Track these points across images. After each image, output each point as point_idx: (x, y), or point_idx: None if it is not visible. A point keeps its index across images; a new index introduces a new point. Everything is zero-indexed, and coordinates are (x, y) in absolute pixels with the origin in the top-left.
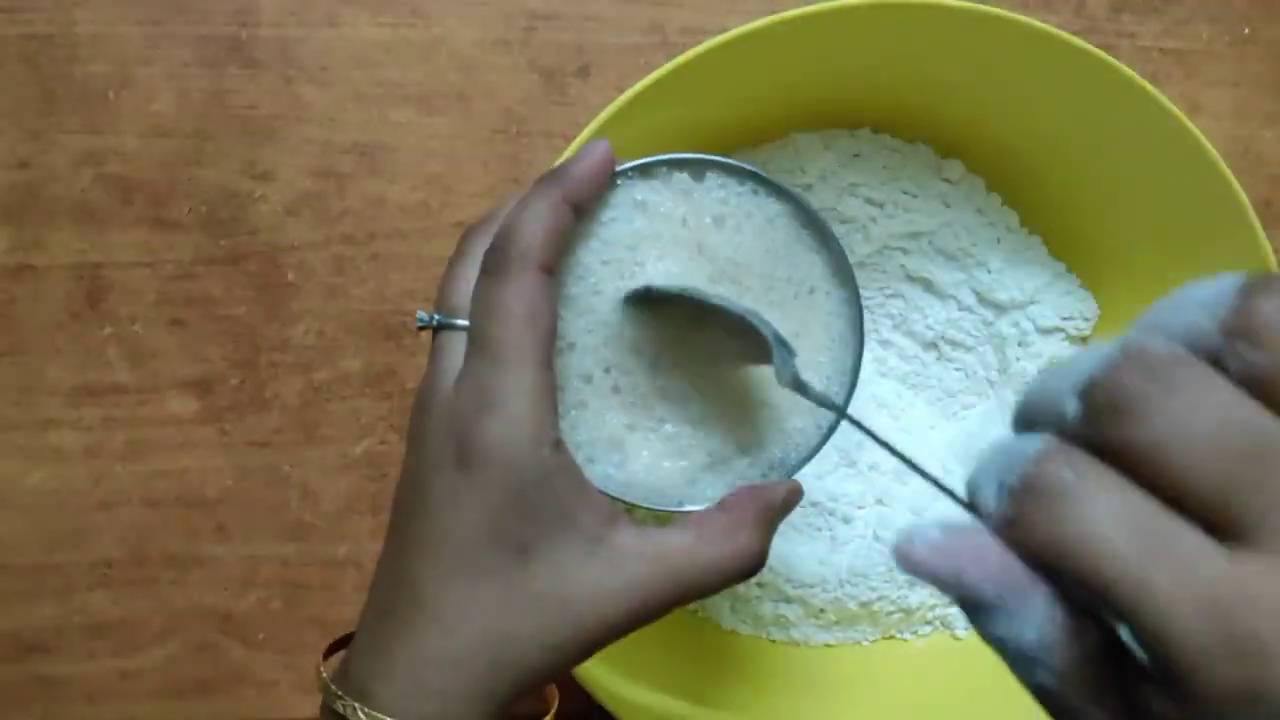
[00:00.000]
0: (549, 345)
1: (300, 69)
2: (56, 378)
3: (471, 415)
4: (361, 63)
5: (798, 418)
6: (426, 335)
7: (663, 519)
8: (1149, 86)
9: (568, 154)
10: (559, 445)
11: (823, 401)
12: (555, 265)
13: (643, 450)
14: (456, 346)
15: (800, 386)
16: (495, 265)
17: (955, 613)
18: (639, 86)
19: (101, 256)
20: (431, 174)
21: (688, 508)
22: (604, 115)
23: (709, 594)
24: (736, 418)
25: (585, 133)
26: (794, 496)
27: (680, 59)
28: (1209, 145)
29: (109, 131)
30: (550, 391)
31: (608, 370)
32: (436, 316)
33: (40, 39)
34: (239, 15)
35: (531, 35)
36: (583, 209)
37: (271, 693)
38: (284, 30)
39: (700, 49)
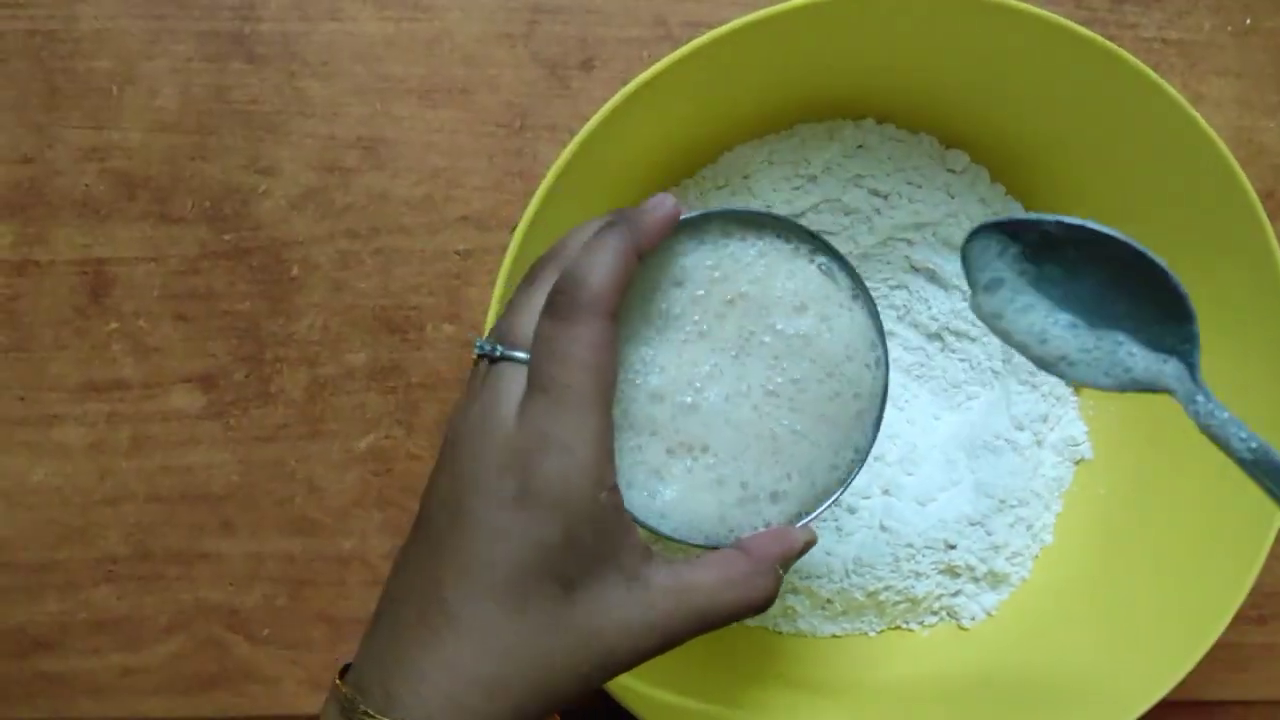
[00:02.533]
0: (611, 391)
1: (303, 63)
2: (61, 373)
3: (536, 454)
4: (364, 57)
5: (827, 457)
6: (432, 331)
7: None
8: (1154, 75)
9: (570, 149)
10: (614, 489)
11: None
12: (618, 311)
13: (681, 480)
14: (515, 377)
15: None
16: (564, 309)
17: (961, 603)
18: (642, 78)
19: (106, 252)
20: (435, 168)
21: (716, 545)
22: (607, 108)
23: (723, 626)
24: (770, 454)
25: (589, 124)
26: (809, 546)
27: (682, 50)
28: (1215, 135)
29: (113, 127)
30: (610, 437)
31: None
32: (499, 348)
33: (44, 34)
34: (241, 10)
35: (535, 28)
36: (643, 258)
37: (277, 688)
38: (286, 25)
39: (702, 40)
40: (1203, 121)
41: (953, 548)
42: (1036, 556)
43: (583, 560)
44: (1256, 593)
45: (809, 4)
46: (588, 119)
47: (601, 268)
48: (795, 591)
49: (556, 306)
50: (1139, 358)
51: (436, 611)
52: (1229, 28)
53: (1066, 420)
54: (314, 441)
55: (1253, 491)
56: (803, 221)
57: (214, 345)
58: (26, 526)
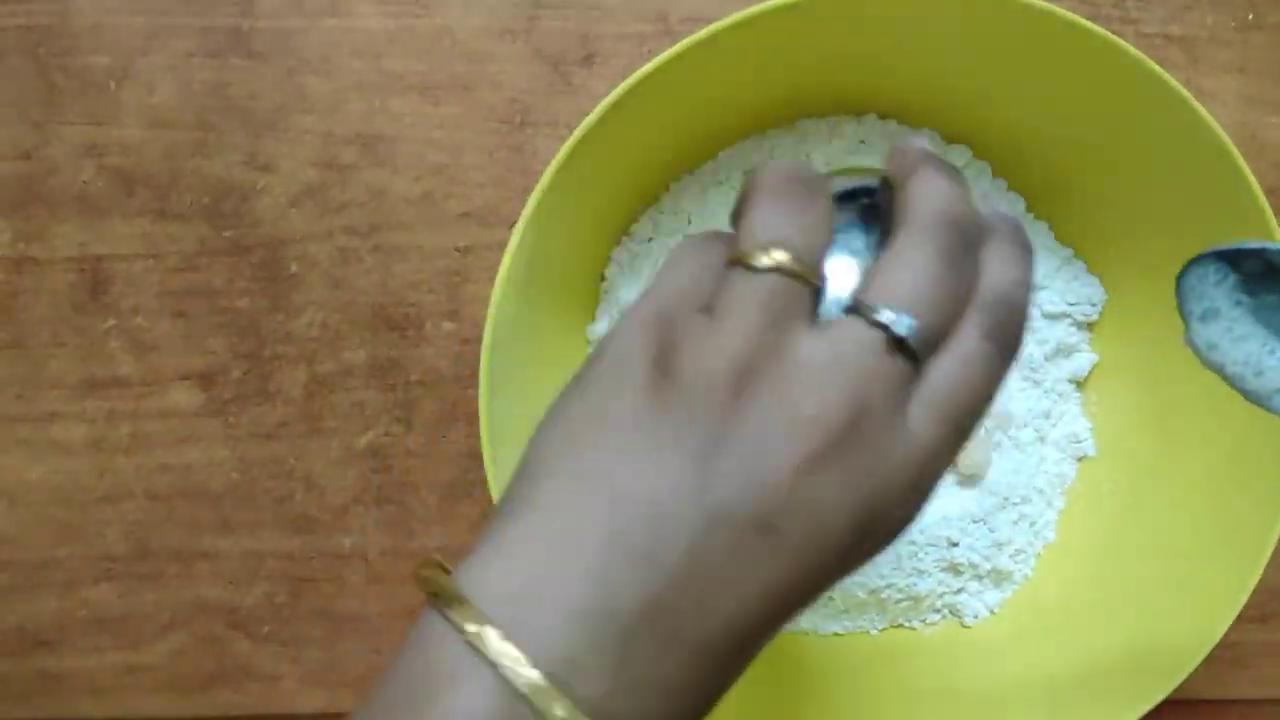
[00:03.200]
0: None
1: (302, 60)
2: (59, 371)
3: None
4: (364, 53)
5: None
6: (431, 328)
7: None
8: (1159, 69)
9: (568, 145)
10: None
11: None
12: None
13: None
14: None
15: None
16: (1007, 341)
17: (964, 600)
18: (640, 73)
19: (104, 248)
20: (435, 164)
21: None
22: (605, 103)
23: None
24: None
25: (588, 120)
26: None
27: (681, 45)
28: (1220, 130)
29: (110, 123)
30: None
31: None
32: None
33: (40, 30)
34: (240, 6)
35: (535, 24)
36: None
37: (277, 686)
38: (285, 21)
39: (701, 34)
40: (1208, 116)
41: (955, 545)
42: (1039, 554)
43: None
44: (1259, 591)
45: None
46: (589, 115)
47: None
48: None
49: (1002, 333)
50: None
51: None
52: (1232, 23)
53: (1069, 417)
54: (313, 439)
55: (1256, 489)
56: None
57: (213, 342)
58: (25, 524)
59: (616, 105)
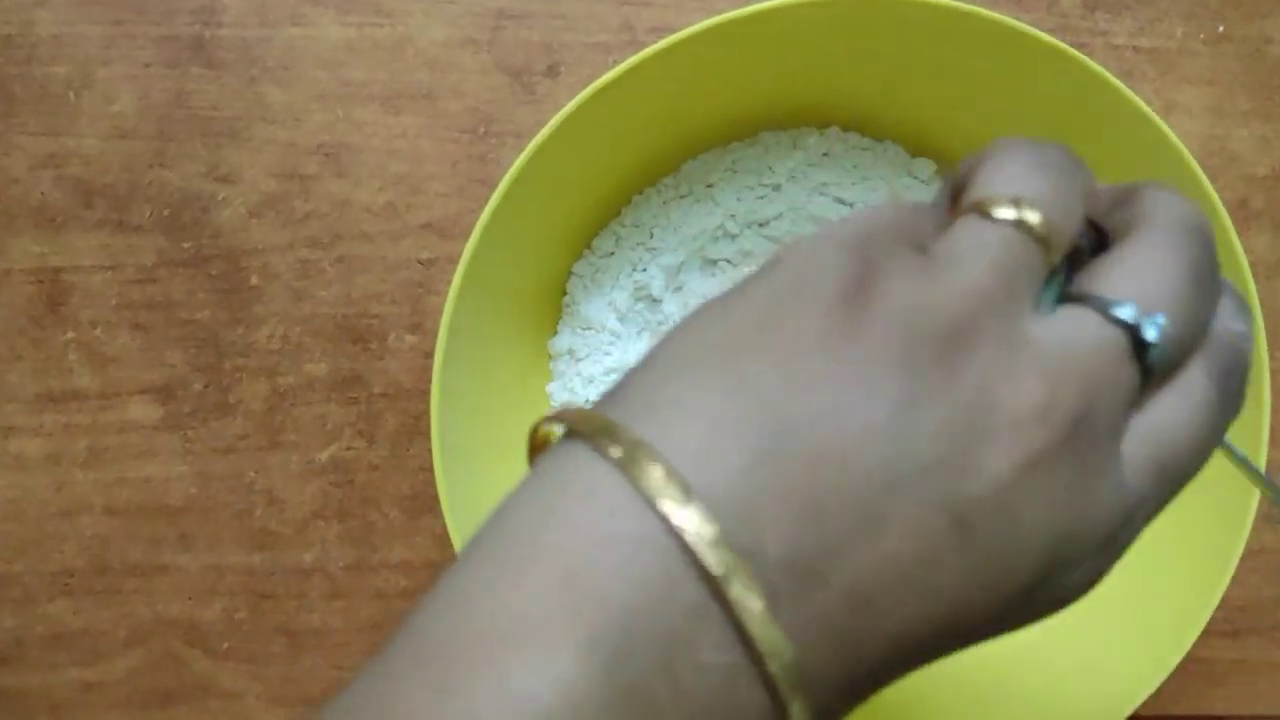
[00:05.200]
0: None
1: (264, 69)
2: (16, 384)
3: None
4: (326, 62)
5: None
6: (394, 341)
7: None
8: (1120, 85)
9: (525, 154)
10: None
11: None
12: None
13: None
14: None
15: None
16: (1214, 285)
17: None
18: (600, 83)
19: (62, 260)
20: (398, 175)
21: None
22: (564, 112)
23: None
24: None
25: (547, 129)
26: None
27: (641, 54)
28: (1181, 146)
29: (69, 133)
30: None
31: None
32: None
33: None
34: (201, 15)
35: (499, 34)
36: None
37: (237, 704)
38: (247, 30)
39: (662, 44)
40: (1169, 131)
41: None
42: None
43: None
44: (1229, 607)
45: (771, 9)
46: (546, 125)
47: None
48: None
49: (1228, 385)
50: None
51: None
52: (1201, 35)
53: None
54: (274, 453)
55: (1221, 504)
56: (767, 232)
57: (172, 355)
58: None
59: (574, 115)
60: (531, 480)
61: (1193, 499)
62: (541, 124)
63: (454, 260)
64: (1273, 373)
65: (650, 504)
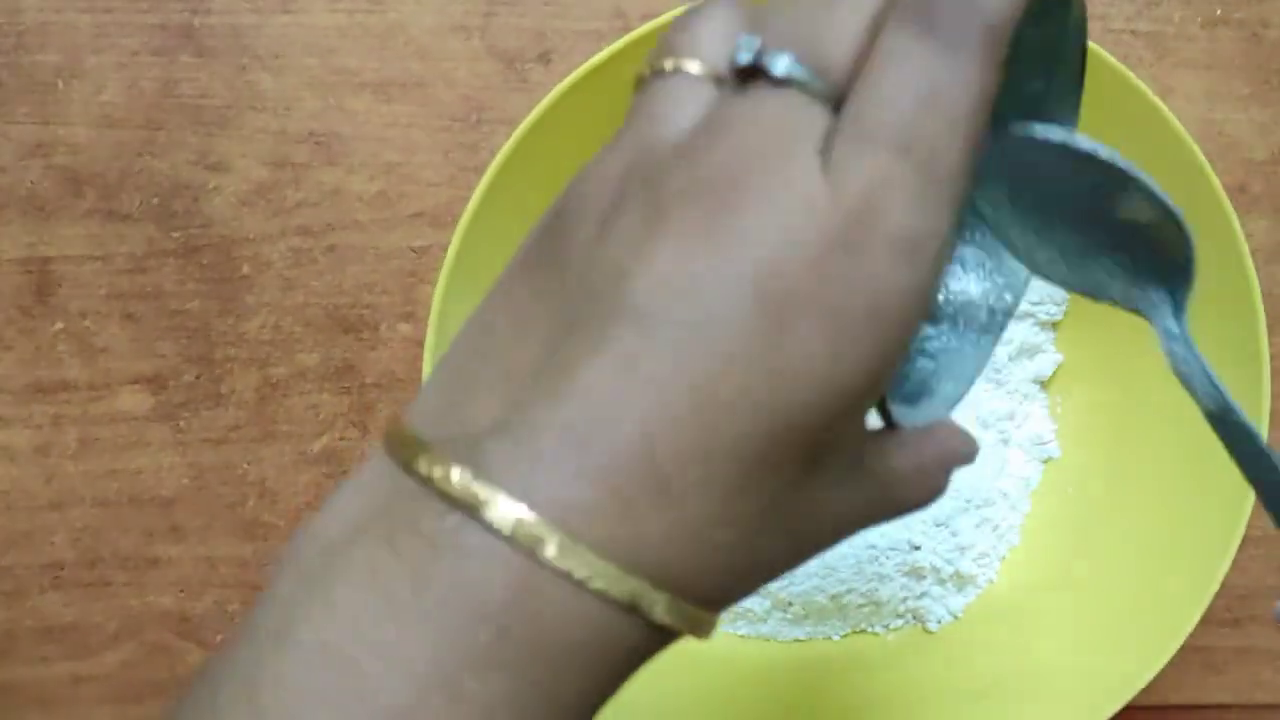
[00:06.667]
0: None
1: (254, 57)
2: (5, 374)
3: (871, 245)
4: (316, 50)
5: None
6: (387, 330)
7: None
8: (1122, 67)
9: (512, 140)
10: None
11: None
12: None
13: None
14: (799, 107)
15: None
16: (950, 28)
17: (926, 605)
18: (590, 64)
19: (51, 250)
20: (389, 163)
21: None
22: (551, 96)
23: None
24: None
25: (535, 113)
26: (970, 457)
27: (630, 37)
28: (1182, 129)
29: (58, 122)
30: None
31: None
32: (761, 54)
33: None
34: (191, 2)
35: (491, 21)
36: None
37: None
38: (237, 18)
39: (652, 25)
40: (1170, 114)
41: (917, 548)
42: (1003, 557)
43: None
44: (1229, 595)
45: None
46: (535, 108)
47: None
48: (758, 594)
49: (937, 23)
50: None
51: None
52: (1199, 19)
53: (1034, 418)
54: (266, 443)
55: (1221, 489)
56: None
57: (163, 345)
58: None
59: (563, 100)
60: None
61: (1191, 487)
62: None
63: (446, 249)
64: (1273, 358)
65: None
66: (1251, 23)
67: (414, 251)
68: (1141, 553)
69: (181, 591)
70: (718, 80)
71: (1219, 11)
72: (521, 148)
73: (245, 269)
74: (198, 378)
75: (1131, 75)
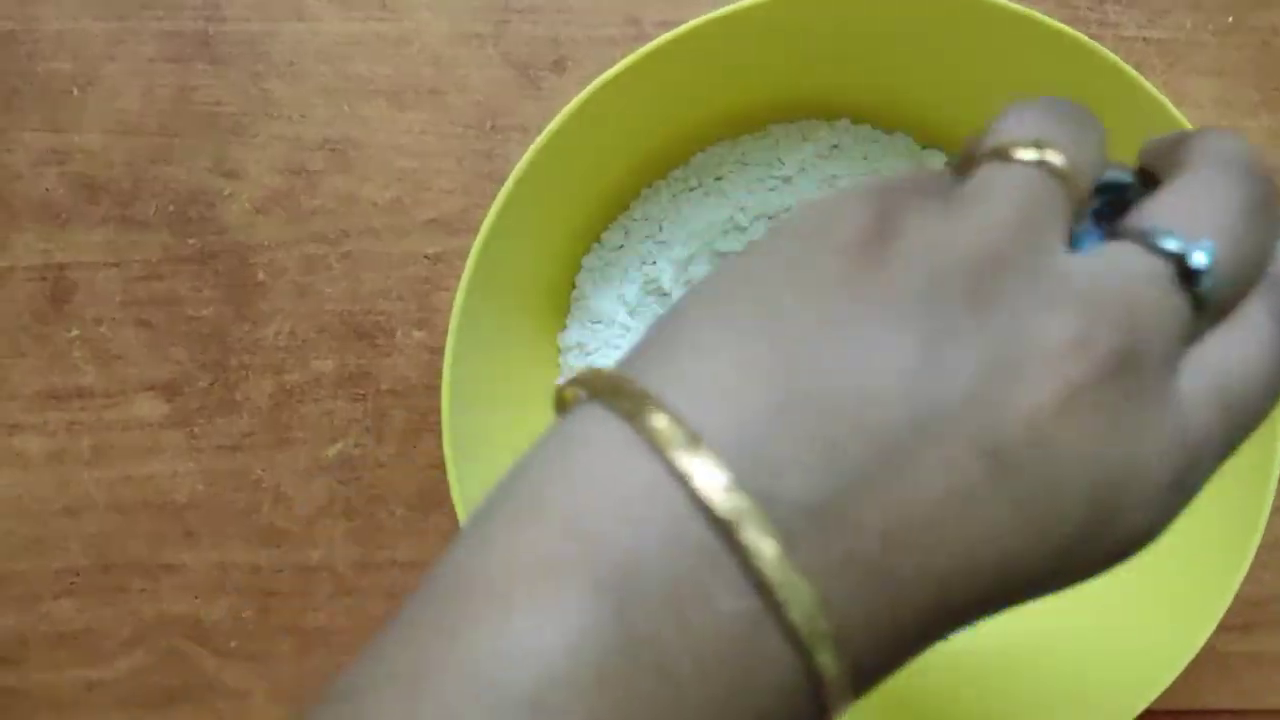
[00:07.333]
0: None
1: (268, 64)
2: (20, 381)
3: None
4: (331, 57)
5: None
6: (402, 337)
7: None
8: (1134, 73)
9: (533, 149)
10: None
11: None
12: None
13: None
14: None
15: None
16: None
17: None
18: (607, 76)
19: (66, 257)
20: (404, 170)
21: None
22: (571, 106)
23: None
24: None
25: (554, 124)
26: None
27: (649, 47)
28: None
29: (73, 130)
30: None
31: None
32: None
33: (2, 36)
34: (205, 10)
35: (505, 28)
36: None
37: (244, 702)
38: (251, 25)
39: (670, 36)
40: (1185, 122)
41: None
42: None
43: None
44: (1242, 601)
45: (779, 0)
46: (555, 118)
47: None
48: None
49: (1267, 212)
50: None
51: None
52: (1210, 26)
53: None
54: (280, 450)
55: (1235, 498)
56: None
57: (177, 352)
58: None
59: (582, 109)
60: (541, 440)
61: (1207, 492)
62: (548, 118)
63: (461, 256)
64: None
65: (657, 452)
66: (1263, 30)
67: (428, 258)
68: (1155, 559)
69: (195, 597)
70: (1081, 202)
71: (1230, 19)
72: (540, 156)
73: (260, 275)
74: (212, 384)
75: (1144, 81)
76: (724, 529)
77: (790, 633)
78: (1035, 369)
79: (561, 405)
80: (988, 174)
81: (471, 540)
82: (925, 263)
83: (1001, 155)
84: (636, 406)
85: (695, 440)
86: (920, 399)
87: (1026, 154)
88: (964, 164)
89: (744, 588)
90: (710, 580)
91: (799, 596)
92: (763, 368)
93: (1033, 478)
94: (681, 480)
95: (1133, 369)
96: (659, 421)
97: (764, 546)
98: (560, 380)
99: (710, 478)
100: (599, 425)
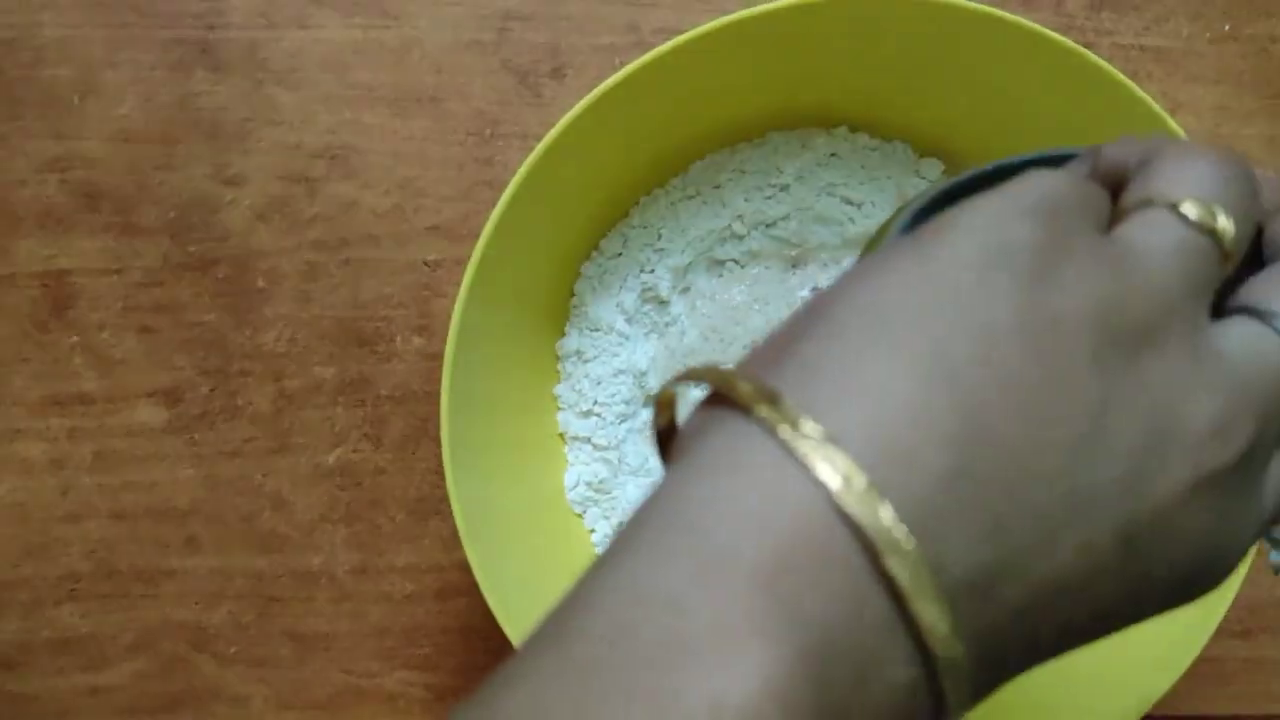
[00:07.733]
0: None
1: (269, 71)
2: (22, 387)
3: None
4: (332, 65)
5: None
6: (401, 343)
7: None
8: (1130, 83)
9: (533, 156)
10: None
11: None
12: None
13: None
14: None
15: None
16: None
17: None
18: (607, 84)
19: (68, 263)
20: (404, 178)
21: None
22: (571, 114)
23: None
24: None
25: (554, 132)
26: None
27: (649, 56)
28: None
29: (74, 136)
30: None
31: None
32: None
33: (3, 43)
34: (206, 17)
35: (505, 36)
36: None
37: (244, 708)
38: (252, 32)
39: (670, 45)
40: (1178, 129)
41: None
42: None
43: None
44: (1239, 607)
45: (777, 10)
46: (554, 127)
47: None
48: None
49: None
50: None
51: None
52: (1207, 34)
53: None
54: (281, 456)
55: None
56: (774, 232)
57: (178, 358)
58: None
59: (581, 117)
60: (695, 460)
61: None
62: (548, 126)
63: (461, 263)
64: None
65: (840, 509)
66: (1260, 38)
67: (428, 265)
68: None
69: (196, 603)
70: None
71: (1227, 27)
72: (540, 164)
73: (260, 282)
74: (213, 390)
75: (1138, 89)
76: (901, 599)
77: (938, 697)
78: (1178, 454)
79: (666, 404)
80: (1155, 226)
81: (639, 580)
82: (1096, 321)
83: (1171, 207)
84: (812, 444)
85: (876, 501)
86: (1080, 479)
87: (1196, 214)
88: (1114, 187)
89: (914, 658)
90: (887, 650)
91: (956, 669)
92: (942, 431)
93: (1148, 559)
94: (869, 547)
95: (1253, 460)
96: (841, 465)
97: (938, 623)
98: (679, 375)
99: (896, 548)
100: (761, 456)
